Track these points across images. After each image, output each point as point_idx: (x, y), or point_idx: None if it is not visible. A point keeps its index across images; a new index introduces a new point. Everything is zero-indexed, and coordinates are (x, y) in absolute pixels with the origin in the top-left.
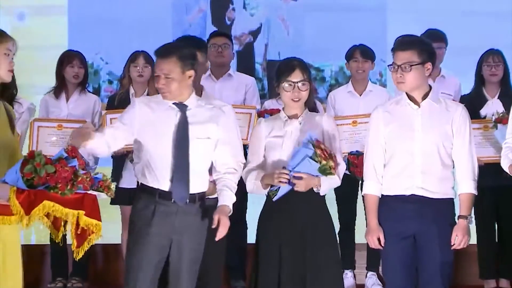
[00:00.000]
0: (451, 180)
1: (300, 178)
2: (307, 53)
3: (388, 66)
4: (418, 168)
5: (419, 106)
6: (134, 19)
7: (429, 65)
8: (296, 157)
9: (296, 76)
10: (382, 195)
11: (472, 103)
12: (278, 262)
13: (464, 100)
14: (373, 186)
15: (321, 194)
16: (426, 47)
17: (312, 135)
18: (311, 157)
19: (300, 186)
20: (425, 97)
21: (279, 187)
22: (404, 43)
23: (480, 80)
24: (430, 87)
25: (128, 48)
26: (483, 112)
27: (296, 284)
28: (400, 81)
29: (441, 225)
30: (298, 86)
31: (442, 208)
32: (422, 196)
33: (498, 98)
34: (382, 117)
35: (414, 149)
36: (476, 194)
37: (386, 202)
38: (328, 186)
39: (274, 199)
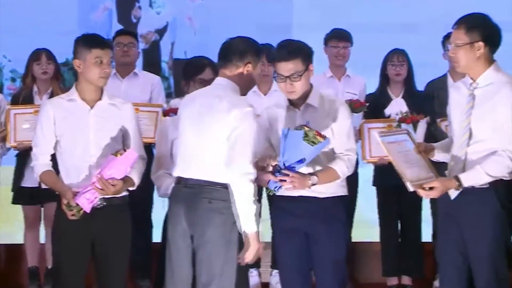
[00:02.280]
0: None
1: None
2: (213, 53)
3: (274, 77)
4: (304, 171)
5: (299, 109)
6: (39, 16)
7: (311, 67)
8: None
9: (207, 74)
10: (274, 196)
11: (377, 102)
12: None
13: (369, 99)
14: None
15: None
16: (306, 51)
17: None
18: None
19: None
20: (305, 98)
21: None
22: (287, 53)
23: (385, 79)
24: (311, 86)
25: (32, 46)
26: (387, 111)
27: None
28: (290, 90)
29: (330, 223)
30: (208, 84)
31: (332, 207)
32: (310, 196)
33: (402, 97)
34: (266, 118)
35: None
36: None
37: (277, 202)
38: None
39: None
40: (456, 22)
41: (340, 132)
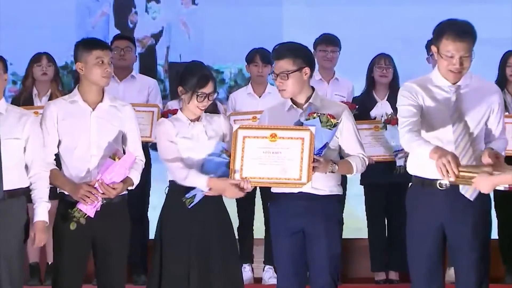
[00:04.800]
0: (338, 177)
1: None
2: (207, 56)
3: (269, 74)
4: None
5: (302, 109)
6: (38, 20)
7: (307, 70)
8: (210, 166)
9: (209, 88)
10: (273, 192)
11: (363, 104)
12: (187, 257)
13: (356, 101)
14: None
15: None
16: (301, 53)
17: (222, 145)
18: (226, 166)
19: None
20: (307, 100)
21: (195, 194)
22: (279, 52)
23: (370, 82)
24: (313, 89)
25: (32, 50)
26: (373, 113)
27: (203, 277)
28: (281, 88)
29: (328, 220)
30: (208, 97)
31: (329, 204)
32: (310, 193)
33: (387, 100)
34: (267, 118)
35: None
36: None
37: (277, 199)
38: None
39: (189, 207)
40: (459, 35)
41: (349, 134)
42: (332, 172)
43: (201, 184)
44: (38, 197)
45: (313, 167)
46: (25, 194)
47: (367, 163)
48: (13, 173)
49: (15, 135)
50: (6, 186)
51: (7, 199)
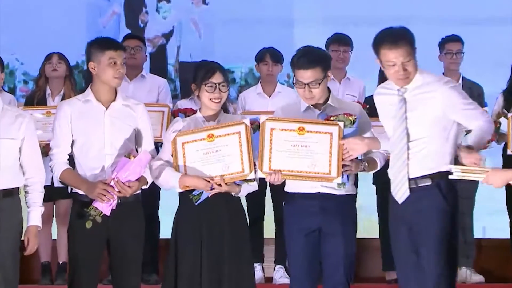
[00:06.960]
0: (353, 177)
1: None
2: (217, 55)
3: (293, 83)
4: None
5: (320, 110)
6: (49, 20)
7: (329, 73)
8: None
9: (218, 77)
10: (288, 192)
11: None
12: (198, 258)
13: (368, 101)
14: None
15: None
16: (326, 58)
17: None
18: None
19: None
20: (326, 101)
21: (202, 192)
22: (307, 61)
23: (382, 81)
24: (329, 91)
25: (43, 49)
26: None
27: (213, 278)
28: (309, 96)
29: (344, 219)
30: (219, 88)
31: (345, 203)
32: (327, 193)
33: None
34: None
35: None
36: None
37: (292, 199)
38: (246, 191)
39: (196, 203)
40: (394, 43)
41: (366, 132)
42: (364, 170)
43: (174, 181)
44: (32, 202)
45: (344, 165)
46: (19, 193)
47: (386, 157)
48: (9, 172)
49: (11, 135)
50: (1, 186)
51: (2, 198)
